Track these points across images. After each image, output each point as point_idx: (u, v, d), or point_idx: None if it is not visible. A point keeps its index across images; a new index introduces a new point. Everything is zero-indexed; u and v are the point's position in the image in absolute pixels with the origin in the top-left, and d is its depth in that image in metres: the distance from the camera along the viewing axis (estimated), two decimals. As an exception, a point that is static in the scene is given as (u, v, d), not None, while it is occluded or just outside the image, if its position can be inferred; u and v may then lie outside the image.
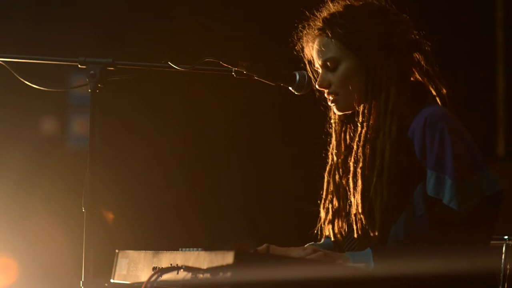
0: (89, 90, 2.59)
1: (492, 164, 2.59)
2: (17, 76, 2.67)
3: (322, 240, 2.82)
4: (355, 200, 2.63)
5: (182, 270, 2.24)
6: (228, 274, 2.12)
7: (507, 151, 5.57)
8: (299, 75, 2.74)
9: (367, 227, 2.58)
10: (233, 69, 2.71)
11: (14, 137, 5.26)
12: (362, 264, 2.47)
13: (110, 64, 2.61)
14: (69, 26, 5.29)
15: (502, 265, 3.07)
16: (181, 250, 2.37)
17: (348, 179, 2.68)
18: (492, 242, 3.04)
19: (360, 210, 2.61)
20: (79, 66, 2.62)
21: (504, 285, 3.03)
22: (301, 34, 2.77)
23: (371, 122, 2.63)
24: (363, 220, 2.59)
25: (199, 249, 2.31)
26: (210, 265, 2.18)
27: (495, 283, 2.58)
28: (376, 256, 2.46)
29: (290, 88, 2.76)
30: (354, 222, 2.64)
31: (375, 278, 2.51)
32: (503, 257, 3.08)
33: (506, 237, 3.09)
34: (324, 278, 2.25)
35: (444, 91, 2.69)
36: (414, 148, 2.55)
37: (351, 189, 2.66)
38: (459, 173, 2.50)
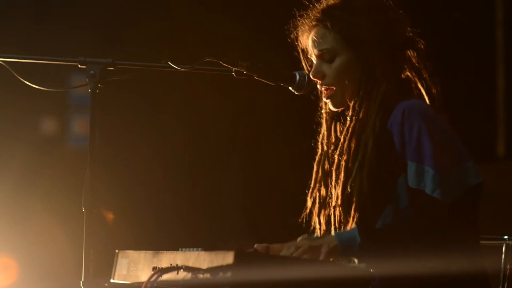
0: (89, 90, 2.59)
1: (492, 164, 2.59)
2: (17, 76, 2.67)
3: (315, 234, 2.83)
4: (336, 192, 2.65)
5: (182, 270, 2.24)
6: (228, 274, 2.12)
7: (507, 151, 5.57)
8: (299, 75, 2.75)
9: (343, 220, 2.60)
10: (233, 69, 2.71)
11: (14, 137, 5.26)
12: (347, 238, 2.46)
13: (110, 64, 2.61)
14: (69, 26, 5.29)
15: (502, 265, 3.07)
16: (181, 250, 2.37)
17: (332, 171, 2.69)
18: (492, 242, 3.05)
19: (339, 203, 2.63)
20: (79, 66, 2.62)
21: (504, 285, 3.03)
22: (298, 23, 2.77)
23: (360, 116, 2.64)
24: (341, 212, 2.61)
25: (199, 249, 2.31)
26: (210, 265, 2.18)
27: (484, 278, 2.57)
28: (362, 232, 2.46)
29: (290, 88, 2.76)
30: (333, 215, 2.67)
31: (374, 277, 2.52)
32: (503, 257, 3.08)
33: (506, 237, 3.09)
34: (324, 278, 2.25)
35: (434, 89, 2.70)
36: (394, 140, 2.56)
37: (333, 182, 2.67)
38: (440, 163, 2.50)
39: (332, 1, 2.73)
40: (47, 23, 5.35)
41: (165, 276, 2.28)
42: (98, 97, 2.58)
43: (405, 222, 2.53)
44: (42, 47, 5.16)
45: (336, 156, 2.69)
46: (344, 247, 2.46)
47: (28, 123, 5.36)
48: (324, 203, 2.75)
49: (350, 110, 2.68)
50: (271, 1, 5.51)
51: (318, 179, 2.78)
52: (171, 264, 2.33)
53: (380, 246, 2.45)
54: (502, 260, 3.07)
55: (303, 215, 2.81)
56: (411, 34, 2.72)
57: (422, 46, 2.73)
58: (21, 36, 5.20)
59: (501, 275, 3.06)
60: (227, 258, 2.14)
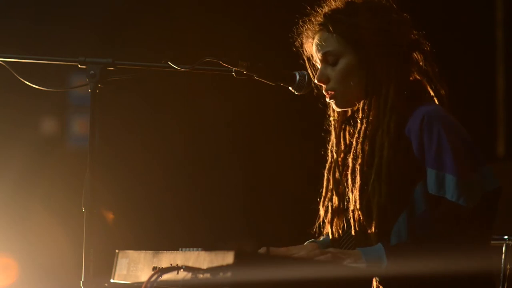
0: (89, 90, 2.59)
1: (492, 164, 2.59)
2: (17, 76, 2.67)
3: (322, 238, 2.82)
4: (353, 196, 2.63)
5: (182, 270, 2.24)
6: (228, 274, 2.12)
7: (507, 151, 5.57)
8: (299, 75, 2.74)
9: (364, 223, 2.58)
10: (233, 69, 2.71)
11: (14, 137, 5.26)
12: (374, 258, 2.45)
13: (110, 64, 2.61)
14: (69, 26, 5.29)
15: (502, 265, 3.07)
16: (181, 250, 2.37)
17: (347, 176, 2.68)
18: (492, 242, 3.04)
19: (358, 206, 2.61)
20: (79, 66, 2.61)
21: (504, 285, 3.03)
22: (301, 29, 2.77)
23: (370, 118, 2.63)
24: (361, 216, 2.59)
25: (199, 249, 2.31)
26: (210, 265, 2.18)
27: (492, 280, 2.58)
28: (389, 251, 2.44)
29: (290, 88, 2.76)
30: (352, 219, 2.64)
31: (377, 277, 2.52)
32: (503, 257, 3.08)
33: (506, 237, 3.09)
34: (324, 278, 2.25)
35: (443, 91, 2.69)
36: (412, 146, 2.55)
37: (350, 186, 2.66)
38: (461, 169, 2.49)
39: (334, 5, 2.72)
40: (47, 23, 5.35)
41: (165, 276, 2.28)
42: (98, 97, 2.58)
43: (421, 228, 2.52)
44: (42, 47, 5.17)
45: (350, 160, 2.67)
46: (369, 266, 2.44)
47: (28, 123, 5.36)
48: (336, 212, 2.74)
49: (360, 112, 2.67)
50: (271, 1, 5.52)
51: (329, 188, 2.77)
52: (171, 264, 2.33)
53: (406, 266, 2.44)
54: (502, 260, 3.07)
55: (316, 224, 2.80)
56: (416, 36, 2.72)
57: (428, 48, 2.72)
58: (21, 36, 5.20)
59: (501, 275, 3.06)
60: (227, 258, 2.14)
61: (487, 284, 2.54)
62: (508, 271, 3.07)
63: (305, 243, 2.81)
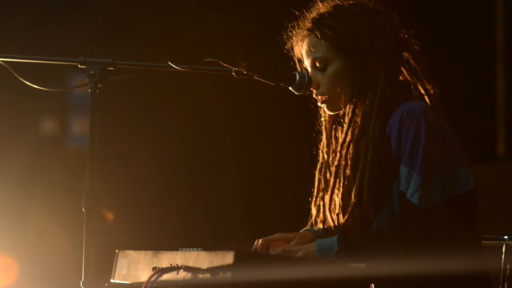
0: (89, 90, 2.59)
1: (492, 164, 2.58)
2: (17, 76, 2.67)
3: (316, 227, 2.84)
4: (338, 200, 2.65)
5: (182, 270, 2.24)
6: (228, 274, 2.12)
7: (507, 151, 5.57)
8: (299, 75, 2.75)
9: (348, 225, 2.60)
10: (233, 69, 2.71)
11: (14, 137, 5.26)
12: (326, 245, 2.50)
13: (110, 64, 2.62)
14: (69, 26, 5.29)
15: (502, 265, 3.07)
16: (181, 250, 2.37)
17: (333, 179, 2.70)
18: (492, 242, 3.05)
19: (340, 210, 2.63)
20: (79, 66, 2.62)
21: (504, 285, 3.03)
22: (290, 33, 2.78)
23: (356, 123, 2.64)
24: (343, 219, 2.61)
25: (199, 249, 2.31)
26: (210, 265, 2.18)
27: (473, 282, 2.57)
28: (341, 240, 2.48)
29: (290, 88, 2.76)
30: (336, 221, 2.68)
31: (375, 278, 2.52)
32: (503, 257, 3.08)
33: (506, 237, 3.09)
34: (324, 278, 2.25)
35: (432, 90, 2.70)
36: (391, 144, 2.55)
37: (335, 189, 2.67)
38: (426, 169, 2.49)
39: (322, 9, 2.73)
40: (47, 23, 5.35)
41: (165, 276, 2.28)
42: (98, 97, 2.59)
43: (397, 225, 2.53)
44: (42, 47, 5.16)
45: (335, 163, 2.69)
46: (322, 254, 2.50)
47: (28, 123, 5.36)
48: (328, 212, 2.75)
49: (346, 116, 2.69)
50: (271, 1, 5.52)
51: (321, 188, 2.78)
52: (171, 264, 2.33)
53: (356, 254, 2.46)
54: (502, 260, 3.08)
55: (309, 223, 2.82)
56: (406, 36, 2.72)
57: (417, 47, 2.73)
58: (21, 36, 5.20)
59: (501, 275, 3.06)
60: (227, 258, 2.14)
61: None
62: (508, 271, 3.07)
63: (300, 231, 2.83)
